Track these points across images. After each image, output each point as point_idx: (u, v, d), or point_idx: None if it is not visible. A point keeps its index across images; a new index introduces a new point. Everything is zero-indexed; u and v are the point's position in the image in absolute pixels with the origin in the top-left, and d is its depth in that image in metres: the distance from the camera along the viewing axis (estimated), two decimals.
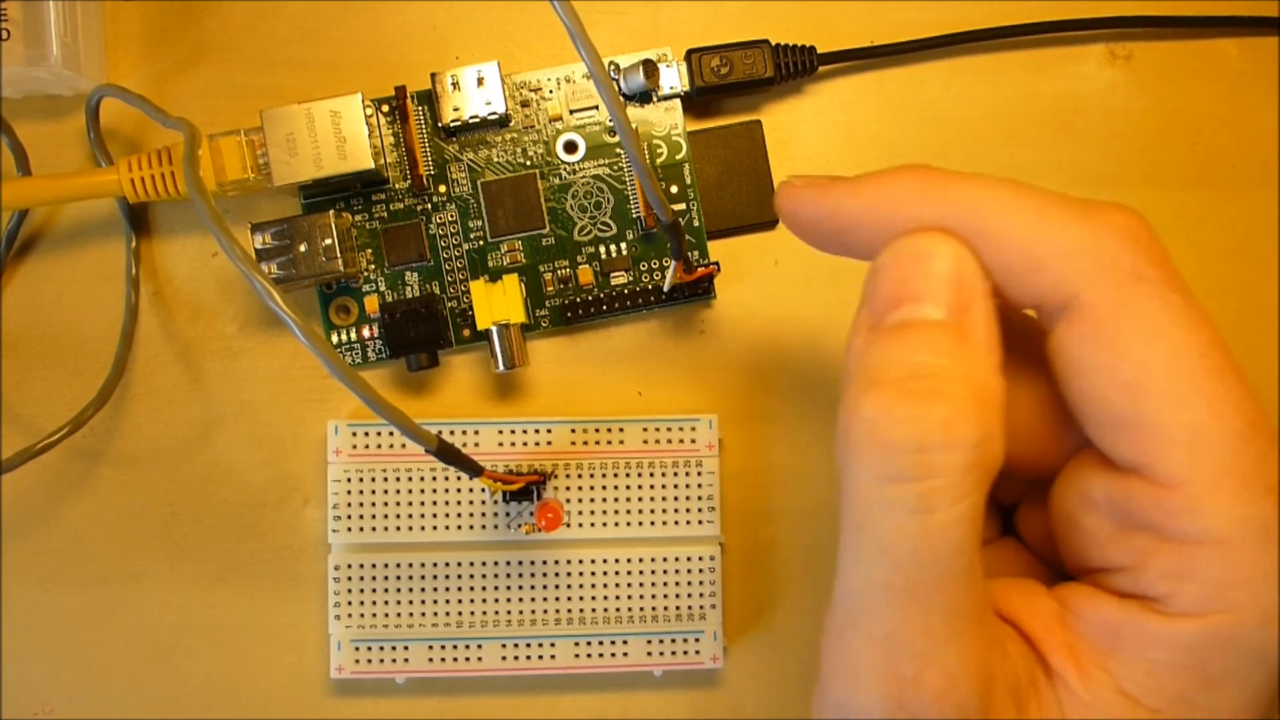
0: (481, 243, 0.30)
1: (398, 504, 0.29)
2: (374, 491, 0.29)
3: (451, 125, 0.30)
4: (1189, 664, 0.18)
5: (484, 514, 0.30)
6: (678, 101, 0.30)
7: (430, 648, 0.29)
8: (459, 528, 0.30)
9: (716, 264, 0.30)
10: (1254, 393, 0.19)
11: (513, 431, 0.30)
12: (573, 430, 0.30)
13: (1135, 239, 0.19)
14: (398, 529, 0.29)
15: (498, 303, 0.29)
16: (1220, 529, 0.18)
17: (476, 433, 0.30)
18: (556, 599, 0.30)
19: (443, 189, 0.30)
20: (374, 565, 0.29)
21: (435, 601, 0.29)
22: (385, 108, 0.30)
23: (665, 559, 0.30)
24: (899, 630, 0.18)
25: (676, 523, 0.30)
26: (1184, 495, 0.18)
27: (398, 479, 0.29)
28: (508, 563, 0.30)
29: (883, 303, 0.20)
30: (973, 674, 0.18)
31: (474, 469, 0.26)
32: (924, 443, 0.18)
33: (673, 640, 0.30)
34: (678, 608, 0.30)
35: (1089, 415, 0.19)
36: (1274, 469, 0.18)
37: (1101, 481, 0.20)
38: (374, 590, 0.29)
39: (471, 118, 0.29)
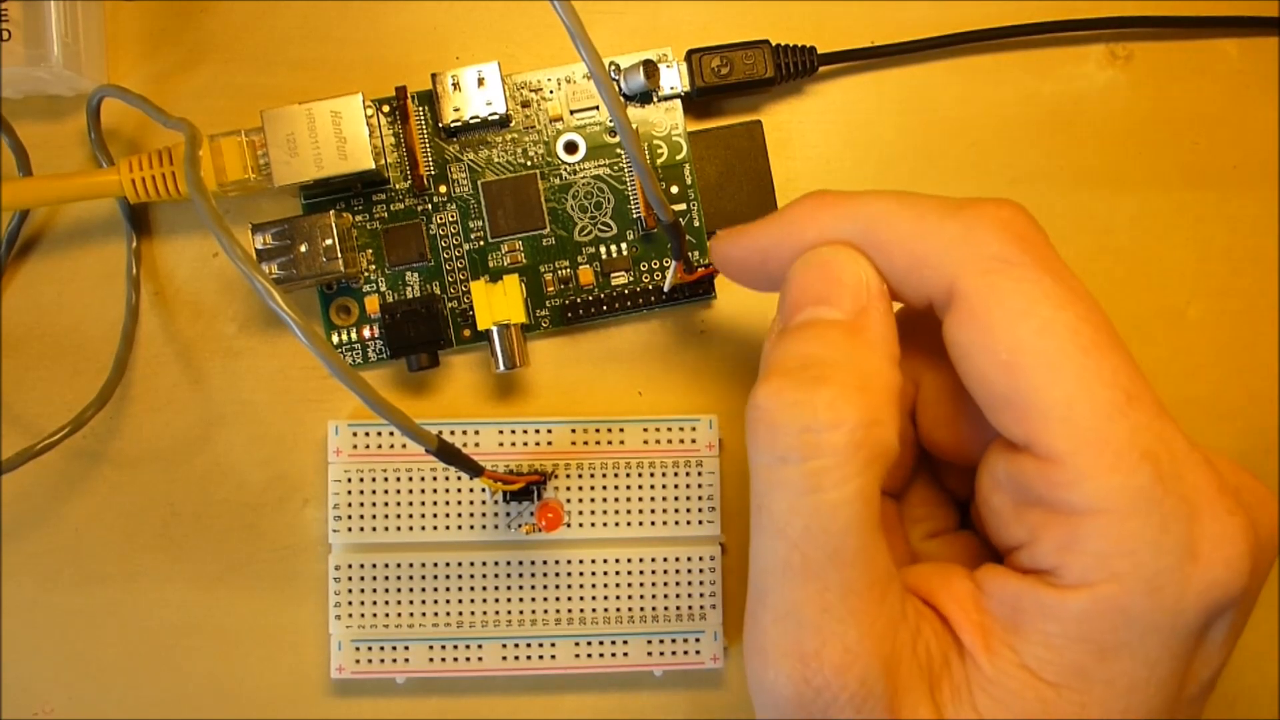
0: (482, 243, 0.30)
1: (398, 504, 0.29)
2: (374, 491, 0.29)
3: (452, 125, 0.30)
4: (1082, 635, 0.19)
5: (484, 514, 0.30)
6: (678, 102, 0.30)
7: (430, 648, 0.29)
8: (459, 528, 0.30)
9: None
10: (1133, 364, 0.20)
11: (513, 431, 0.30)
12: (573, 430, 0.30)
13: (1005, 227, 0.20)
14: (398, 529, 0.29)
15: (498, 303, 0.29)
16: (1100, 499, 0.19)
17: (477, 433, 0.30)
18: (556, 599, 0.30)
19: (443, 189, 0.30)
20: (374, 565, 0.29)
21: (435, 601, 0.29)
22: (386, 108, 0.30)
23: (665, 559, 0.30)
24: (798, 607, 0.19)
25: (677, 523, 0.30)
26: (1065, 468, 0.19)
27: (398, 479, 0.30)
28: (508, 563, 0.30)
29: (789, 308, 0.22)
30: (873, 649, 0.19)
31: (474, 469, 0.26)
32: (809, 423, 0.19)
33: (673, 640, 0.30)
34: (678, 608, 0.30)
35: (981, 399, 0.20)
36: (1151, 437, 0.19)
37: (1002, 461, 0.21)
38: (374, 590, 0.29)
39: (472, 118, 0.29)
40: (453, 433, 0.30)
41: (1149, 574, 0.19)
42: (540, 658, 0.30)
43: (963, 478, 0.25)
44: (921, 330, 0.23)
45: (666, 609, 0.30)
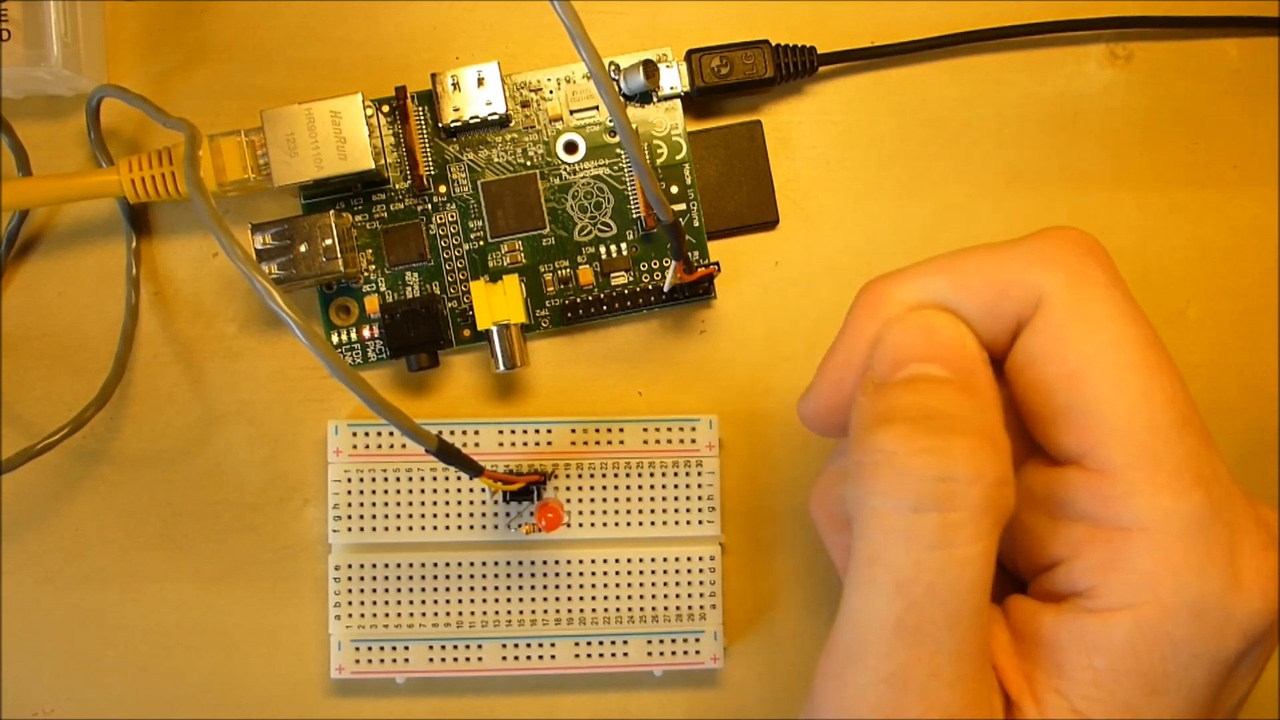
0: (482, 243, 0.30)
1: (398, 504, 0.29)
2: (374, 491, 0.29)
3: (452, 125, 0.30)
4: (1130, 667, 0.18)
5: (484, 514, 0.30)
6: (678, 102, 0.30)
7: (430, 648, 0.29)
8: (459, 528, 0.30)
9: (716, 264, 0.30)
10: (1188, 391, 0.20)
11: (513, 431, 0.30)
12: (573, 430, 0.30)
13: (1085, 246, 0.20)
14: (398, 529, 0.29)
15: (498, 303, 0.29)
16: (1149, 517, 0.19)
17: (476, 433, 0.30)
18: (556, 599, 0.30)
19: (443, 189, 0.30)
20: (374, 565, 0.29)
21: (435, 601, 0.29)
22: (385, 108, 0.30)
23: (665, 559, 0.30)
24: (906, 669, 0.18)
25: (676, 523, 0.30)
26: (1117, 481, 0.19)
27: (398, 479, 0.30)
28: (508, 563, 0.30)
29: (888, 364, 0.20)
30: (972, 714, 0.18)
31: (474, 469, 0.26)
32: (948, 472, 0.18)
33: (673, 640, 0.30)
34: (678, 608, 0.30)
35: (1034, 411, 0.20)
36: (1203, 463, 0.19)
37: (1043, 476, 0.20)
38: (374, 590, 0.29)
39: (472, 118, 0.29)
40: (453, 433, 0.30)
41: (1193, 597, 0.18)
42: (540, 658, 0.30)
43: None
44: None
45: (666, 609, 0.30)
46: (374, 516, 0.29)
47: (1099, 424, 0.19)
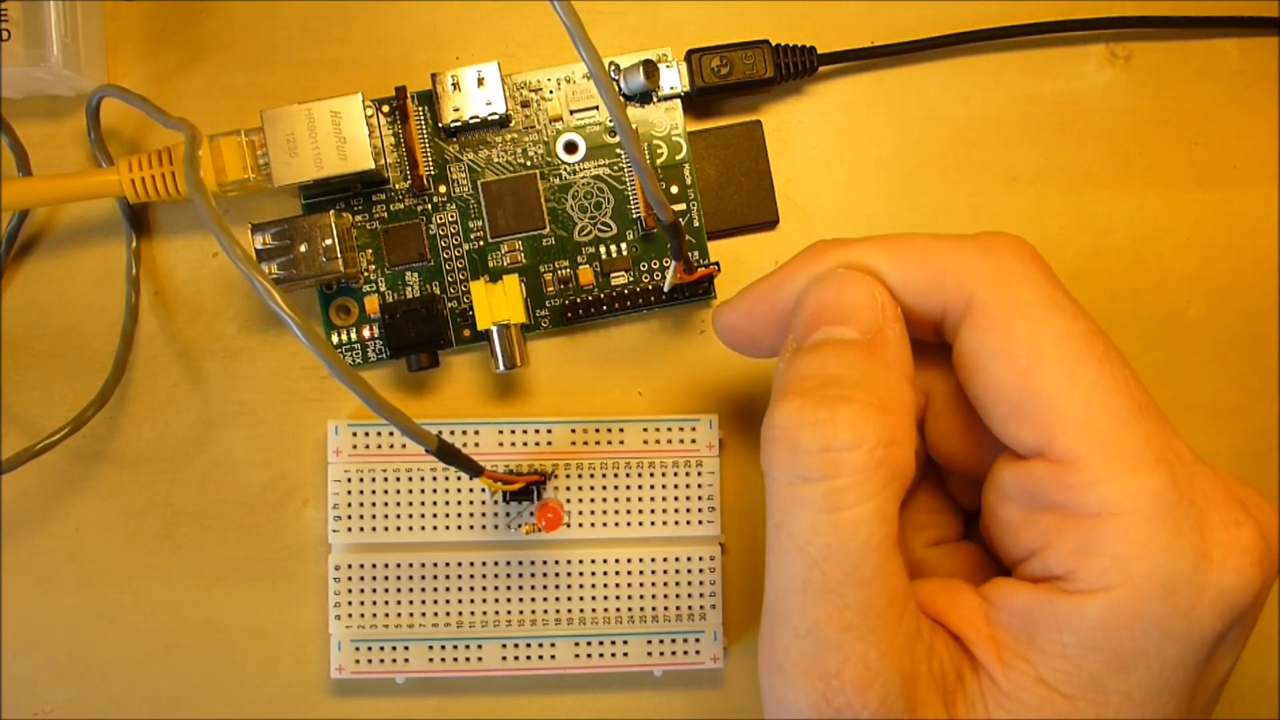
0: (482, 243, 0.30)
1: (398, 504, 0.29)
2: (374, 491, 0.29)
3: (452, 125, 0.30)
4: (1098, 643, 0.19)
5: (484, 514, 0.30)
6: (678, 102, 0.30)
7: (430, 648, 0.29)
8: (459, 528, 0.30)
9: (716, 264, 0.30)
10: (1139, 380, 0.20)
11: (513, 431, 0.30)
12: (573, 430, 0.30)
13: (1019, 249, 0.21)
14: (398, 529, 0.29)
15: (498, 303, 0.29)
16: (1115, 501, 0.19)
17: (476, 433, 0.30)
18: (556, 599, 0.30)
19: (443, 189, 0.30)
20: (374, 565, 0.29)
21: (435, 601, 0.29)
22: (385, 108, 0.30)
23: (665, 559, 0.30)
24: (818, 626, 0.19)
25: (676, 523, 0.30)
26: (1081, 469, 0.19)
27: (398, 479, 0.30)
28: (508, 563, 0.30)
29: (803, 327, 0.22)
30: (893, 667, 0.19)
31: (474, 469, 0.26)
32: (830, 442, 0.19)
33: (673, 640, 0.30)
34: (678, 608, 0.30)
35: (992, 410, 0.21)
36: (1162, 444, 0.19)
37: (1010, 471, 0.21)
38: (374, 590, 0.29)
39: (472, 118, 0.29)
40: (453, 433, 0.30)
41: (1164, 577, 0.19)
42: (540, 658, 0.30)
43: (969, 487, 0.25)
44: (930, 343, 0.23)
45: (666, 609, 0.30)
46: (374, 516, 0.29)
47: (1056, 415, 0.20)
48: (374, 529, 0.29)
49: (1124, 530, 0.19)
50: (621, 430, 0.30)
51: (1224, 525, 0.19)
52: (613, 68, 0.30)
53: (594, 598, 0.30)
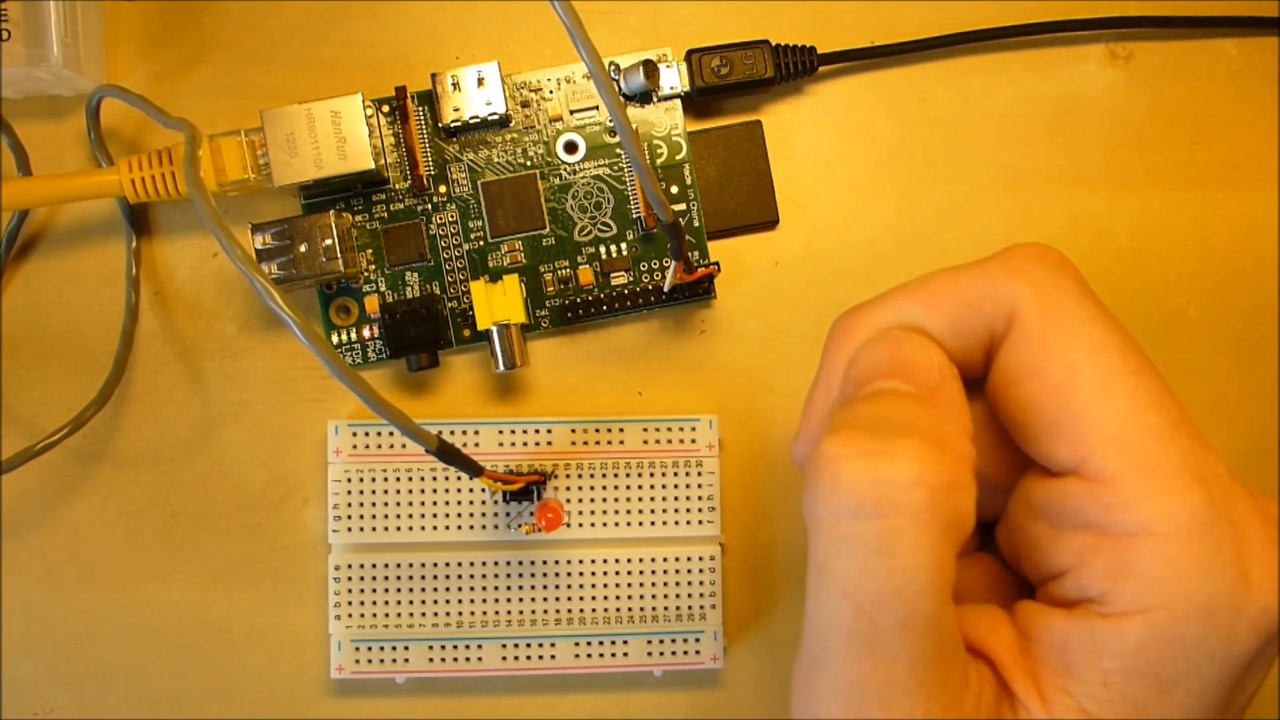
0: (482, 243, 0.30)
1: (398, 504, 0.29)
2: (374, 491, 0.29)
3: (452, 125, 0.30)
4: (1140, 668, 0.18)
5: (484, 514, 0.30)
6: (678, 102, 0.30)
7: (430, 648, 0.29)
8: (459, 528, 0.30)
9: (716, 264, 0.30)
10: (1174, 395, 0.19)
11: (513, 431, 0.30)
12: (573, 430, 0.30)
13: (1045, 258, 0.21)
14: (398, 529, 0.29)
15: (498, 303, 0.29)
16: (1152, 520, 0.18)
17: (476, 433, 0.30)
18: (556, 599, 0.30)
19: (443, 189, 0.30)
20: (374, 565, 0.29)
21: (435, 601, 0.29)
22: (385, 108, 0.30)
23: (665, 559, 0.30)
24: (862, 679, 0.18)
25: (676, 523, 0.30)
26: (1117, 488, 0.19)
27: (398, 479, 0.30)
28: (508, 563, 0.30)
29: (854, 383, 0.20)
30: None
31: (474, 469, 0.26)
32: (885, 475, 0.18)
33: (673, 640, 0.30)
34: (678, 608, 0.30)
35: (1026, 428, 0.20)
36: (1200, 462, 0.19)
37: (1042, 488, 0.20)
38: (374, 590, 0.29)
39: (472, 118, 0.29)
40: (453, 433, 0.30)
41: (1204, 598, 0.18)
42: (540, 658, 0.30)
43: (990, 497, 0.24)
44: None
45: (666, 609, 0.30)
46: (374, 516, 0.29)
47: (1091, 432, 0.19)
48: (374, 529, 0.29)
49: (1162, 550, 0.18)
50: (621, 430, 0.30)
51: (1261, 545, 0.19)
52: (613, 68, 0.30)
53: (594, 598, 0.30)
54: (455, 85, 0.29)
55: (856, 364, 0.21)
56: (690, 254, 0.30)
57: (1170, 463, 0.19)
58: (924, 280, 0.21)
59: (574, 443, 0.30)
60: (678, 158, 0.31)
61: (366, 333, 0.30)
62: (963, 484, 0.18)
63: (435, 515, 0.30)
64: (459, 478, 0.30)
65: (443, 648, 0.29)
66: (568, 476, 0.30)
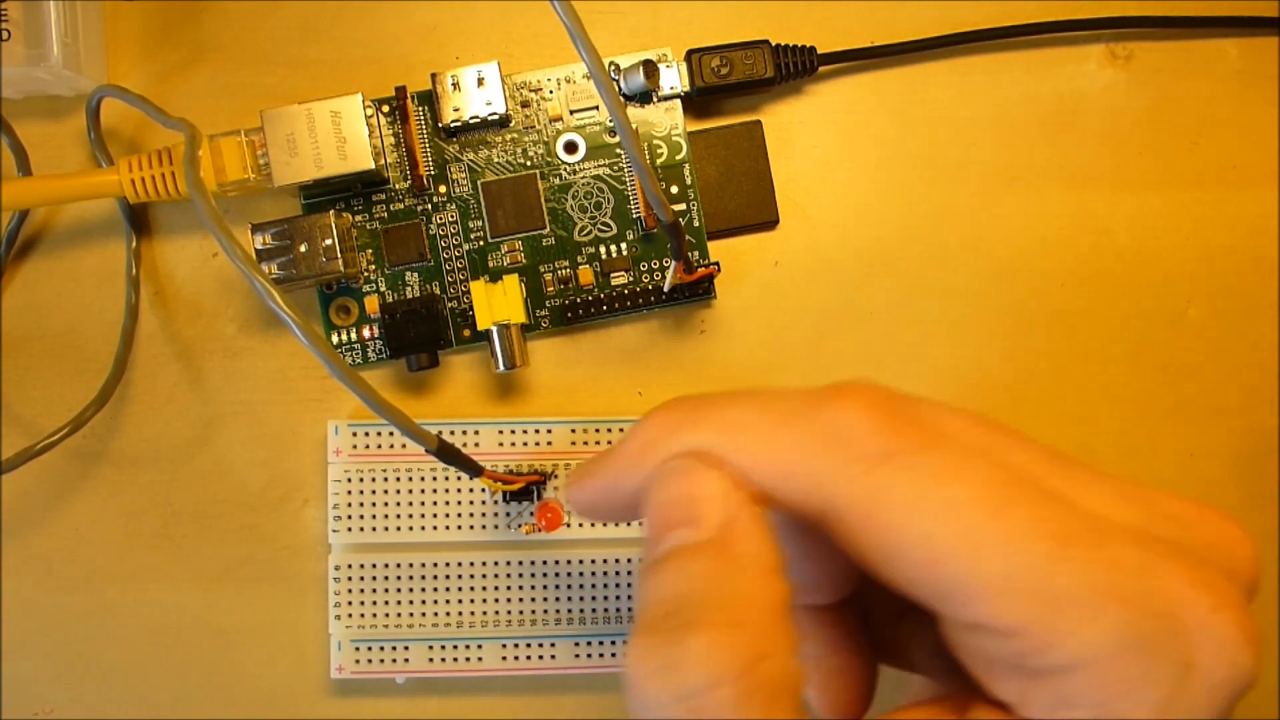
0: (482, 243, 0.30)
1: (398, 504, 0.29)
2: (374, 491, 0.29)
3: (452, 125, 0.30)
4: None
5: (484, 514, 0.30)
6: (678, 102, 0.30)
7: (430, 648, 0.29)
8: (459, 528, 0.30)
9: (716, 264, 0.30)
10: (1051, 497, 0.18)
11: (513, 431, 0.30)
12: (573, 430, 0.30)
13: (869, 415, 0.19)
14: (398, 529, 0.29)
15: (498, 303, 0.29)
16: (1075, 656, 0.18)
17: (476, 433, 0.30)
18: (556, 599, 0.30)
19: (443, 189, 0.30)
20: (374, 565, 0.29)
21: (435, 601, 0.29)
22: (385, 108, 0.30)
23: None
24: None
25: None
26: (1026, 638, 0.18)
27: (398, 479, 0.30)
28: (508, 563, 0.30)
29: (650, 537, 0.19)
30: None
31: (474, 469, 0.26)
32: (684, 689, 0.17)
33: None
34: None
35: (914, 597, 0.19)
36: (1102, 572, 0.18)
37: (958, 633, 0.19)
38: (374, 590, 0.29)
39: (472, 118, 0.29)
40: (453, 433, 0.30)
41: (1156, 703, 0.17)
42: (540, 658, 0.30)
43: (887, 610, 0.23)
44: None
45: None
46: (374, 516, 0.29)
47: (977, 597, 0.18)
48: (374, 529, 0.29)
49: (1098, 677, 0.18)
50: (621, 430, 0.30)
51: (1200, 621, 0.18)
52: (613, 68, 0.30)
53: (594, 598, 0.30)
54: (455, 85, 0.29)
55: (649, 504, 0.20)
56: (690, 254, 0.30)
57: (1069, 591, 0.17)
58: (738, 420, 0.20)
59: (574, 443, 0.30)
60: (678, 158, 0.31)
61: (366, 333, 0.30)
62: (770, 649, 0.17)
63: (435, 515, 0.30)
64: (459, 478, 0.30)
65: (443, 648, 0.29)
66: (568, 476, 0.30)
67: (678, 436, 0.20)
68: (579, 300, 0.30)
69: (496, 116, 0.29)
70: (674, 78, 0.30)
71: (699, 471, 0.19)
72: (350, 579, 0.29)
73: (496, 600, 0.30)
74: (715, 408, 0.20)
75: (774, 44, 0.30)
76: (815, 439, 0.19)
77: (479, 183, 0.30)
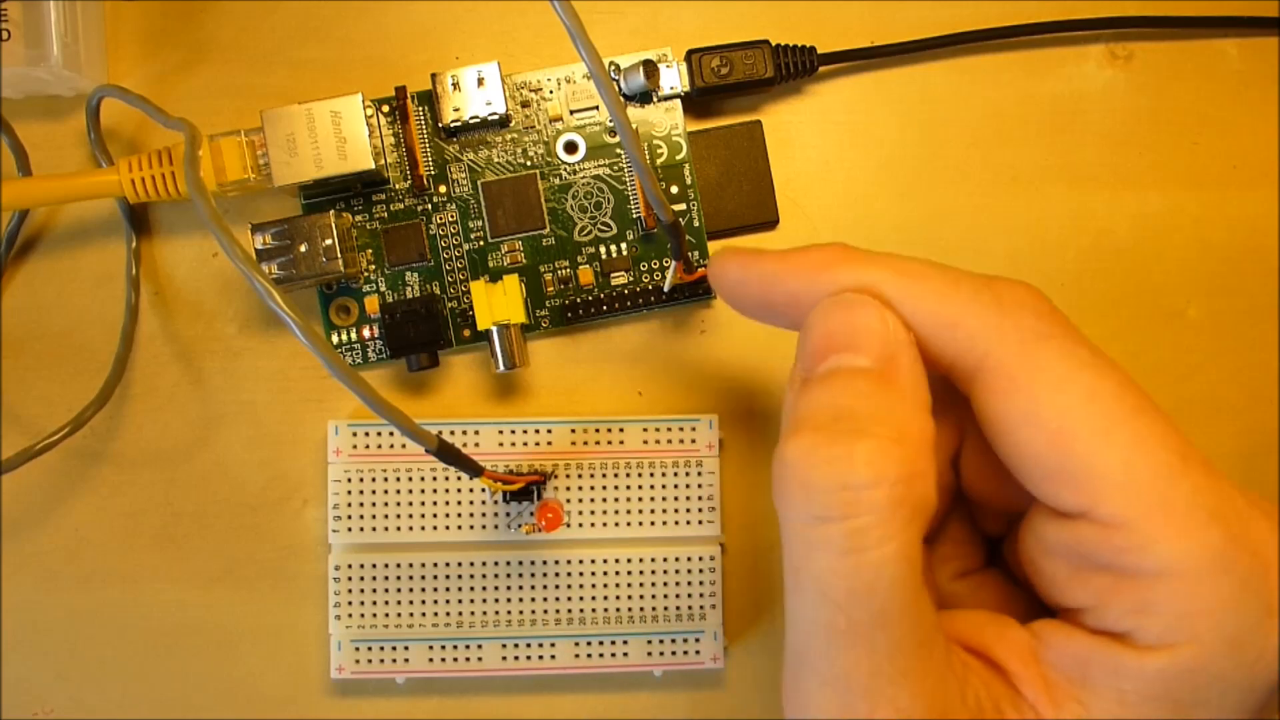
0: (482, 243, 0.30)
1: (398, 504, 0.29)
2: (374, 491, 0.29)
3: (452, 125, 0.30)
4: (1159, 694, 0.18)
5: (484, 514, 0.30)
6: (678, 102, 0.30)
7: (430, 648, 0.29)
8: (459, 528, 0.30)
9: None
10: (1178, 428, 0.19)
11: (513, 431, 0.30)
12: (573, 430, 0.30)
13: (1034, 306, 0.20)
14: (398, 529, 0.29)
15: (498, 303, 0.29)
16: (1172, 561, 0.18)
17: (476, 433, 0.30)
18: (556, 599, 0.30)
19: (443, 189, 0.30)
20: (374, 565, 0.29)
21: (435, 601, 0.29)
22: (385, 108, 0.30)
23: (665, 559, 0.30)
24: (846, 672, 0.18)
25: (676, 523, 0.30)
26: (1130, 533, 0.18)
27: (398, 479, 0.30)
28: (508, 563, 0.30)
29: (811, 356, 0.21)
30: (925, 707, 0.18)
31: (474, 469, 0.26)
32: (847, 480, 0.18)
33: (673, 640, 0.30)
34: (678, 608, 0.30)
35: (1025, 472, 0.20)
36: (1213, 495, 0.19)
37: (1054, 528, 0.20)
38: (374, 590, 0.29)
39: (472, 118, 0.29)
40: (453, 433, 0.30)
41: (1231, 634, 0.18)
42: (540, 658, 0.30)
43: (998, 517, 0.24)
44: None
45: (666, 609, 0.30)
46: (374, 516, 0.29)
47: (1097, 480, 0.19)
48: (374, 529, 0.29)
49: (1184, 590, 0.18)
50: (621, 430, 0.30)
51: None
52: (613, 68, 0.30)
53: (594, 598, 0.30)
54: (455, 85, 0.29)
55: (814, 328, 0.21)
56: (690, 254, 0.30)
57: (1182, 501, 0.18)
58: (916, 269, 0.21)
59: (574, 443, 0.30)
60: (678, 158, 0.31)
61: (366, 333, 0.30)
62: (923, 471, 0.19)
63: (435, 515, 0.30)
64: (459, 478, 0.30)
65: (443, 648, 0.29)
66: (568, 476, 0.30)
67: (854, 267, 0.21)
68: (579, 300, 0.30)
69: (496, 116, 0.29)
70: (674, 78, 0.30)
71: (870, 305, 0.20)
72: (350, 579, 0.29)
73: (496, 600, 0.30)
74: (888, 256, 0.21)
75: (774, 44, 0.30)
76: (987, 301, 0.20)
77: (479, 183, 0.30)
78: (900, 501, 0.18)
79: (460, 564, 0.30)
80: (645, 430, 0.30)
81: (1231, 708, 0.19)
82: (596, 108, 0.30)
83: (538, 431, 0.30)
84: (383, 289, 0.30)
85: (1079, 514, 0.19)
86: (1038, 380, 0.19)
